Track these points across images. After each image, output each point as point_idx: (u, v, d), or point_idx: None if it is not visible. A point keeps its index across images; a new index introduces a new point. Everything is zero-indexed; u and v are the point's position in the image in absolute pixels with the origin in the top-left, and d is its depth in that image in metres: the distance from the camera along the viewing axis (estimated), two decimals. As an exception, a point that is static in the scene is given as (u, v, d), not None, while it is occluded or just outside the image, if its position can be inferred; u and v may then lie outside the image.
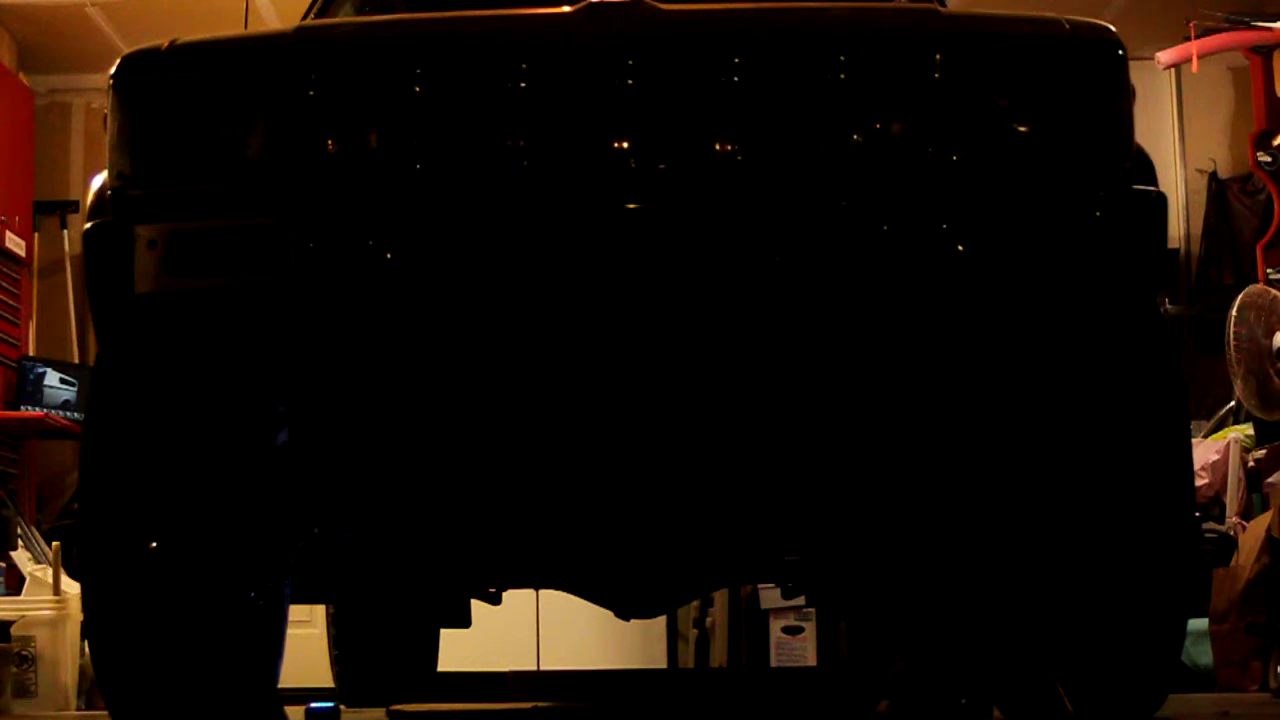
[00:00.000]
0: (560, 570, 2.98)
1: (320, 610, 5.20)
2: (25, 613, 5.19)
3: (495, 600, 3.52)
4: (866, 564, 3.14)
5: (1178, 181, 7.06)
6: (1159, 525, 2.39)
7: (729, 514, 2.60)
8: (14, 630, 5.11)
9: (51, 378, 6.58)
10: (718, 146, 2.21)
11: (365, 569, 3.00)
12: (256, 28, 3.25)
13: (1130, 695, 2.46)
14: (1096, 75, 2.28)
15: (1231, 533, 5.24)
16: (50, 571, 5.26)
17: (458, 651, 5.24)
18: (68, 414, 6.46)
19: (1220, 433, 5.73)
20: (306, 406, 2.43)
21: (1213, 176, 7.08)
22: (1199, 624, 4.81)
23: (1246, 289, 5.61)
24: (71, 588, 5.11)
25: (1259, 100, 6.60)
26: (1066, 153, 2.26)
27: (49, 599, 5.22)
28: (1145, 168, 2.41)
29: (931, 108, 2.23)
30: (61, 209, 7.03)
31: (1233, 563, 4.99)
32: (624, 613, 3.29)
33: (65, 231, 6.97)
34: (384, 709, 4.46)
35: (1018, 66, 2.27)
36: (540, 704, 5.05)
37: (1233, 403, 5.79)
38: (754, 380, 2.32)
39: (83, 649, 5.19)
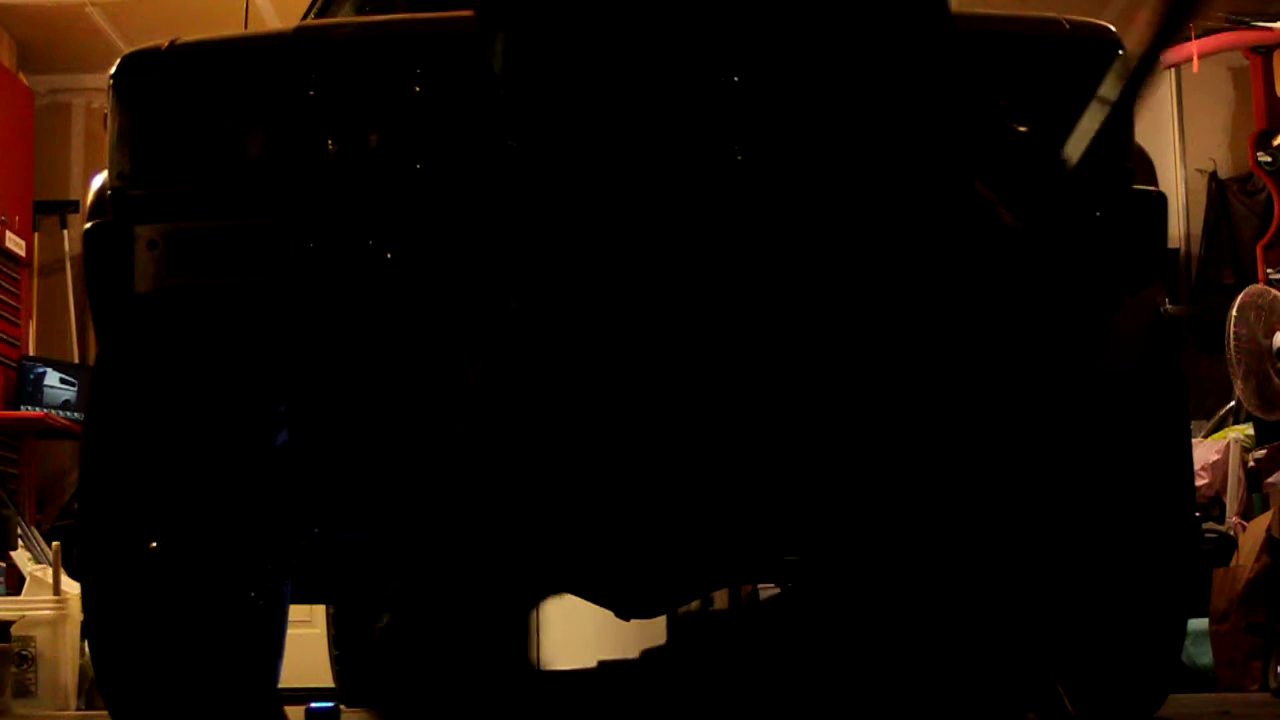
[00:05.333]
0: (560, 570, 2.98)
1: (320, 610, 5.20)
2: (25, 613, 5.19)
3: (495, 600, 3.51)
4: (866, 564, 3.13)
5: (1178, 181, 7.06)
6: (1159, 525, 2.39)
7: (729, 514, 2.60)
8: (14, 630, 5.11)
9: (51, 378, 6.58)
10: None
11: (365, 569, 3.00)
12: (256, 28, 3.25)
13: (1130, 695, 2.46)
14: (1097, 75, 2.28)
15: (1231, 533, 5.24)
16: (50, 571, 5.26)
17: (458, 651, 5.22)
18: (68, 414, 6.46)
19: (1220, 433, 5.74)
20: (306, 406, 2.43)
21: (1213, 176, 7.08)
22: (1199, 624, 4.81)
23: (1246, 289, 5.61)
24: (71, 588, 5.11)
25: (1259, 100, 6.60)
26: (1066, 152, 2.26)
27: (49, 599, 5.22)
28: (1145, 168, 2.41)
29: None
30: (61, 209, 7.03)
31: (1233, 563, 4.99)
32: (624, 613, 3.29)
33: (65, 231, 6.97)
34: (384, 709, 4.45)
35: (1018, 66, 2.27)
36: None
37: (1233, 403, 5.79)
38: (756, 381, 2.32)
39: (83, 649, 5.19)
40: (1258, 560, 4.87)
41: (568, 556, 2.83)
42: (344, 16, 3.35)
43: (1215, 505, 5.48)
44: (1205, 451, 5.50)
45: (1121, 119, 2.22)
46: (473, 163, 2.24)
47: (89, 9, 6.61)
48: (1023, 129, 2.25)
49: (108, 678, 2.48)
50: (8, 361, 6.51)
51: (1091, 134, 2.06)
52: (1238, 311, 5.38)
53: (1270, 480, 5.08)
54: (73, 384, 6.61)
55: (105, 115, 2.37)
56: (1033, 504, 2.45)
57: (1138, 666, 2.43)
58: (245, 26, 3.82)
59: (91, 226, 2.43)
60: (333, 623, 4.67)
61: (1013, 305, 2.21)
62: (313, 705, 3.74)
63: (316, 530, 2.66)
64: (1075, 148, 2.09)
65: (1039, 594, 2.51)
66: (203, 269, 2.27)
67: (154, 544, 2.38)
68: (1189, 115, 7.21)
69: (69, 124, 7.32)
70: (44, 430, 6.53)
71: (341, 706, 4.05)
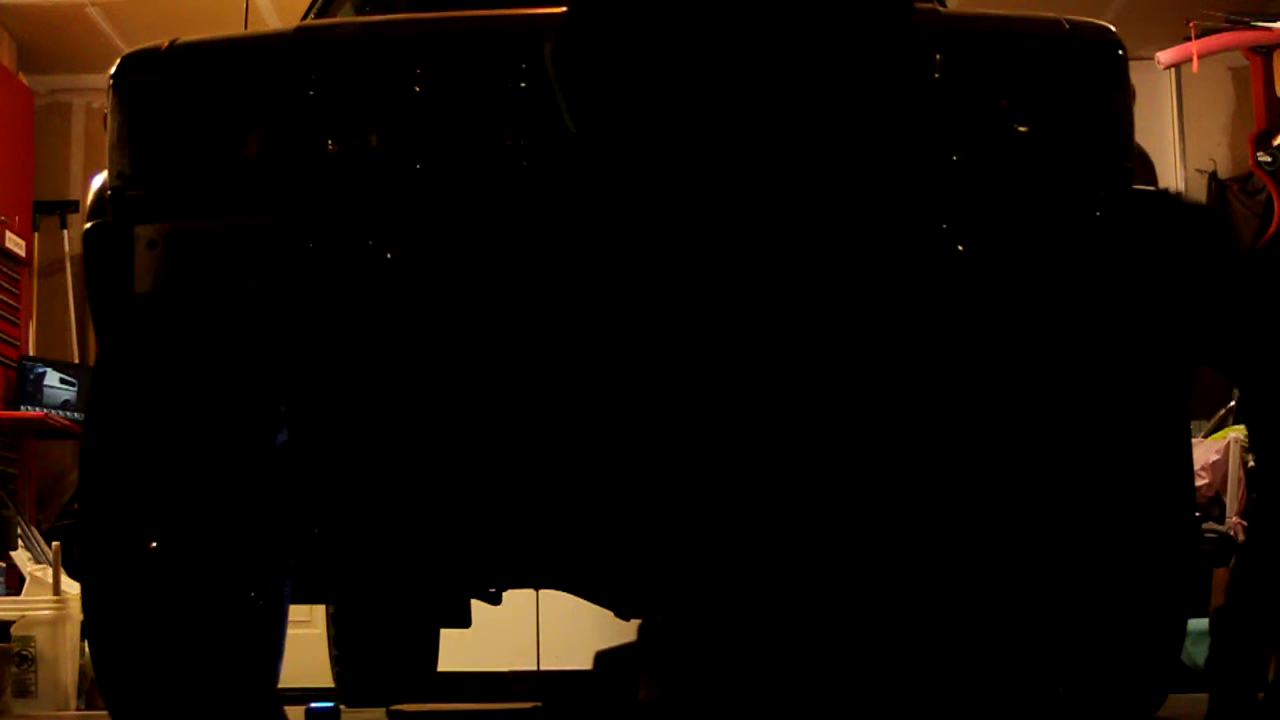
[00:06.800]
0: (560, 570, 2.98)
1: (320, 610, 5.20)
2: (25, 613, 5.19)
3: (495, 600, 3.52)
4: (866, 564, 3.14)
5: (1178, 182, 7.05)
6: (1159, 525, 2.39)
7: (729, 513, 2.60)
8: (14, 630, 5.11)
9: (51, 378, 6.57)
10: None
11: (365, 569, 3.00)
12: (256, 28, 3.25)
13: (1130, 695, 2.46)
14: (1096, 75, 2.28)
15: (1231, 533, 5.24)
16: (50, 571, 5.26)
17: (458, 651, 5.23)
18: (68, 414, 6.45)
19: (1220, 433, 5.73)
20: (306, 406, 2.43)
21: (1213, 176, 7.07)
22: (1199, 624, 4.80)
23: (1247, 289, 5.59)
24: (71, 588, 5.11)
25: (1259, 100, 6.59)
26: (1067, 153, 2.26)
27: (49, 599, 5.22)
28: (1145, 168, 2.41)
29: (932, 108, 2.23)
30: (61, 209, 7.02)
31: (1232, 563, 4.97)
32: (624, 613, 3.29)
33: (65, 231, 6.97)
34: (384, 709, 4.46)
35: (1018, 66, 2.27)
36: (538, 704, 5.05)
37: (1233, 402, 5.78)
38: (754, 381, 2.32)
39: (83, 649, 5.19)
40: (1258, 560, 4.85)
41: (568, 556, 2.83)
42: (344, 16, 3.35)
43: (1215, 505, 5.47)
44: (1205, 451, 5.49)
45: None
46: (473, 163, 2.24)
47: (89, 9, 6.61)
48: (1023, 129, 2.25)
49: (108, 678, 2.48)
50: (8, 361, 6.50)
51: None
52: (1238, 311, 5.36)
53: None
54: (73, 384, 6.60)
55: (105, 115, 2.37)
56: (1032, 502, 2.45)
57: (1137, 666, 2.43)
58: (245, 26, 3.82)
59: (91, 226, 2.43)
60: (333, 623, 4.67)
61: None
62: (313, 705, 3.75)
63: (316, 530, 2.66)
64: None
65: (1039, 594, 2.51)
66: (203, 269, 2.27)
67: (154, 544, 2.37)
68: (1189, 115, 7.20)
69: (69, 124, 7.31)
70: (44, 430, 6.53)
71: (341, 706, 4.06)
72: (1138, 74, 2.32)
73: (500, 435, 2.41)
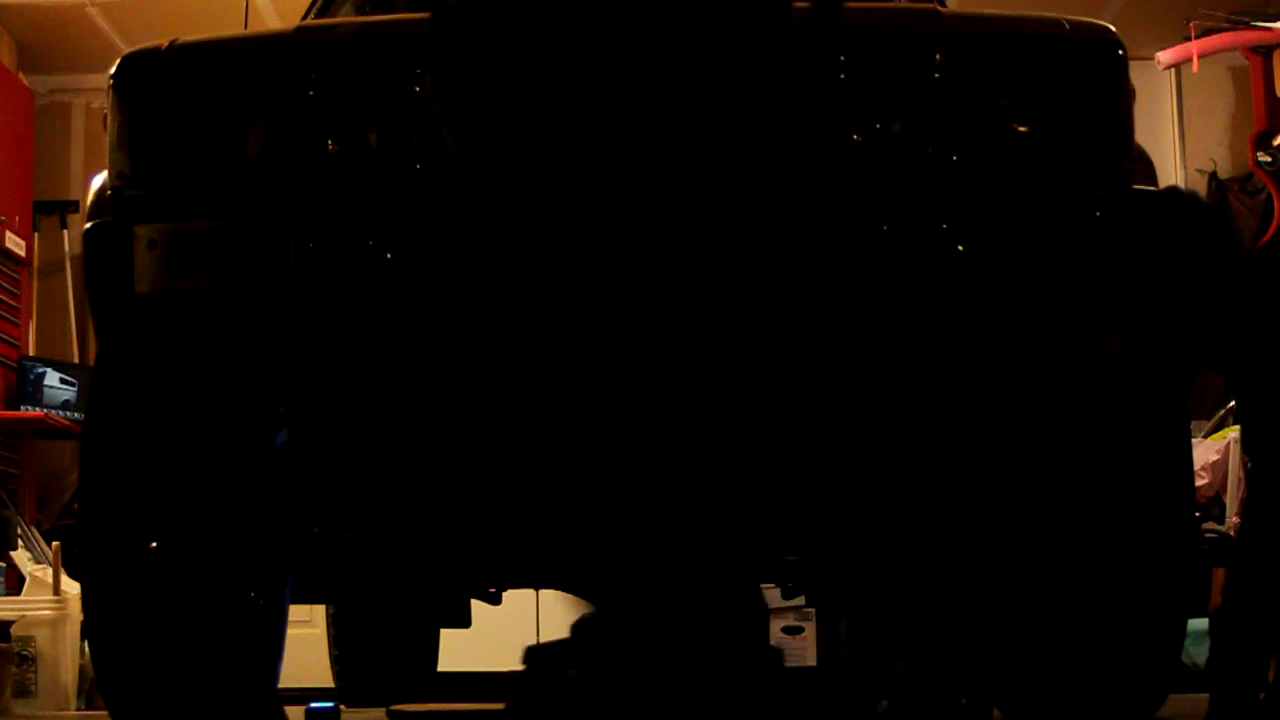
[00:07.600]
0: (560, 570, 2.98)
1: (320, 610, 5.20)
2: (25, 613, 5.19)
3: (495, 600, 3.52)
4: (866, 564, 3.14)
5: (1177, 182, 7.05)
6: (1159, 525, 2.39)
7: (729, 514, 2.60)
8: (14, 630, 5.12)
9: (51, 378, 6.57)
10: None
11: (365, 569, 3.00)
12: (256, 28, 3.25)
13: (1130, 695, 2.46)
14: (1096, 75, 2.28)
15: (1231, 533, 5.24)
16: (50, 571, 5.26)
17: (458, 651, 5.23)
18: (68, 414, 6.45)
19: (1220, 433, 5.73)
20: (306, 406, 2.43)
21: (1213, 176, 7.07)
22: (1199, 624, 4.80)
23: (1247, 289, 5.58)
24: (71, 588, 5.11)
25: (1259, 100, 6.60)
26: (1067, 153, 2.26)
27: (49, 599, 5.22)
28: (1145, 168, 2.41)
29: (931, 108, 2.23)
30: (61, 209, 7.02)
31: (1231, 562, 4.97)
32: (623, 613, 3.27)
33: (65, 231, 6.97)
34: (384, 709, 4.46)
35: (1018, 66, 2.27)
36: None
37: (1233, 402, 5.78)
38: (754, 382, 2.31)
39: (83, 649, 5.19)
40: (1258, 560, 4.85)
41: (567, 556, 2.83)
42: (344, 16, 3.35)
43: (1215, 505, 5.47)
44: (1205, 451, 5.49)
45: None
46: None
47: (89, 9, 6.61)
48: (1023, 129, 2.25)
49: (108, 678, 2.48)
50: (8, 361, 6.50)
51: None
52: (1238, 311, 5.36)
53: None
54: (73, 384, 6.60)
55: (105, 115, 2.37)
56: (1032, 502, 2.45)
57: (1137, 666, 2.43)
58: (245, 26, 3.82)
59: (91, 226, 2.43)
60: (333, 623, 4.67)
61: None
62: (313, 705, 3.75)
63: (316, 530, 2.66)
64: None
65: (1039, 593, 2.51)
66: (203, 269, 2.27)
67: (154, 544, 2.38)
68: (1189, 115, 7.20)
69: (69, 124, 7.31)
70: (44, 430, 6.53)
71: (341, 706, 4.06)
72: (1138, 74, 2.32)
73: (500, 435, 2.40)
